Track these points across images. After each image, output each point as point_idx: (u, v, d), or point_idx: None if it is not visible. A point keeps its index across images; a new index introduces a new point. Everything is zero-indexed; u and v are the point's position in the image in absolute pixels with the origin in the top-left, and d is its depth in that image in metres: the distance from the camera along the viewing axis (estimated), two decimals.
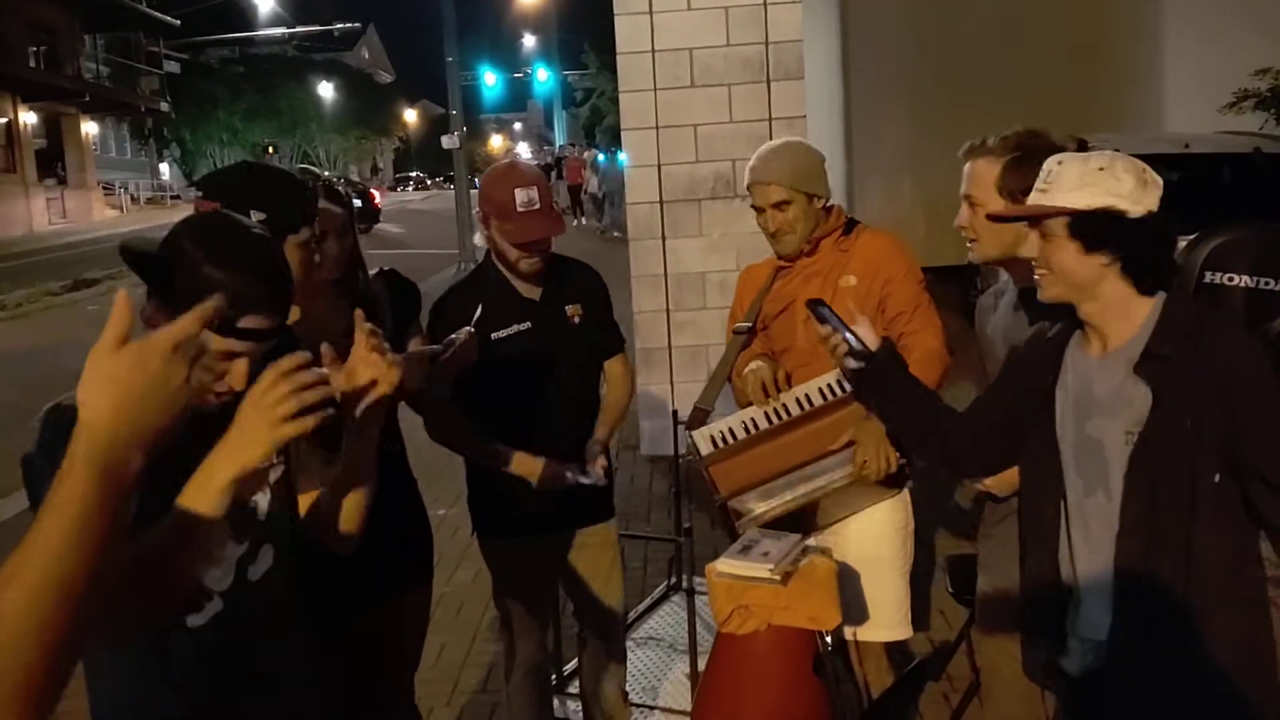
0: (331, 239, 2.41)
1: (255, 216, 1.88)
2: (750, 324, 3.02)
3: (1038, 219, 1.89)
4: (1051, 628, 2.01)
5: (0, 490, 6.77)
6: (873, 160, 11.42)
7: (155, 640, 1.59)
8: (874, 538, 2.83)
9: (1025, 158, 2.33)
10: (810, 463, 2.67)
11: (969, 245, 2.47)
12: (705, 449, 2.78)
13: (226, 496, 1.41)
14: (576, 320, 2.93)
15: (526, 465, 2.79)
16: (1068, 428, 1.97)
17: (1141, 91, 10.99)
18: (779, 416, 2.79)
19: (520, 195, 2.70)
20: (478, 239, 3.25)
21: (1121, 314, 1.88)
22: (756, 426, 2.79)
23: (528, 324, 2.85)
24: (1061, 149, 2.44)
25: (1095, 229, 1.83)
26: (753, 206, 2.94)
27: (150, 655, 1.59)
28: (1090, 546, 1.93)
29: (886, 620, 2.87)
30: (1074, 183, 1.84)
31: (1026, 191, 2.08)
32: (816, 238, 2.90)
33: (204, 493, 1.41)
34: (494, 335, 2.80)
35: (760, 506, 2.64)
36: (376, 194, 32.34)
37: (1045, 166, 1.92)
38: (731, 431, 2.79)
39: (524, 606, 2.98)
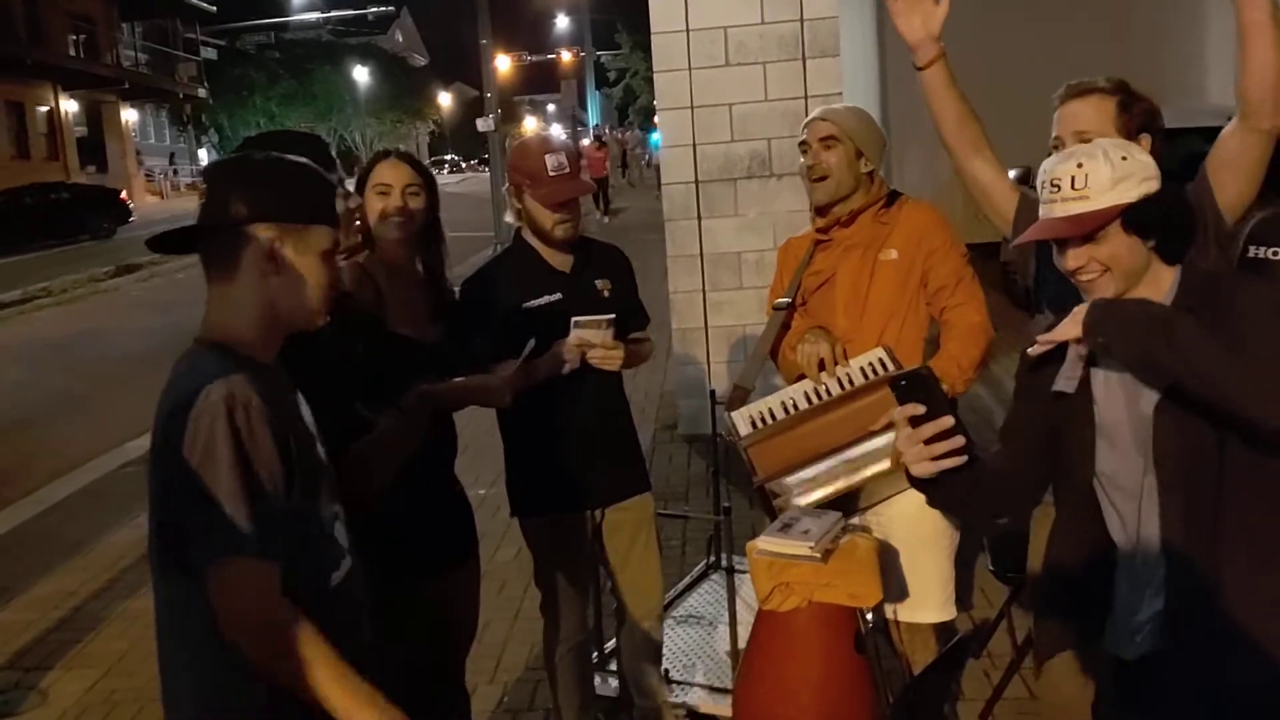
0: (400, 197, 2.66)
1: None
2: (790, 299, 2.99)
3: (1106, 223, 1.82)
4: (1097, 612, 1.98)
5: (55, 470, 6.95)
6: (911, 137, 11.28)
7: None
8: (918, 517, 2.79)
9: (1131, 99, 2.39)
10: (850, 444, 2.64)
11: None
12: (744, 429, 2.76)
13: None
14: (606, 294, 2.98)
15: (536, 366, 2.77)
16: (1116, 411, 1.91)
17: (1182, 62, 10.80)
18: (819, 396, 2.75)
19: (550, 160, 2.84)
20: (508, 217, 3.32)
21: (1155, 289, 1.86)
22: (796, 407, 2.75)
23: (559, 295, 2.89)
24: (1148, 101, 2.44)
25: (1146, 217, 1.80)
26: (800, 145, 2.92)
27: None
28: (1150, 525, 1.88)
29: (931, 601, 2.85)
30: (1110, 180, 1.81)
31: (1140, 131, 2.29)
32: (855, 210, 2.87)
33: None
34: (525, 305, 2.86)
35: (799, 488, 2.63)
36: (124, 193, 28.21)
37: (1062, 174, 1.85)
38: (771, 412, 2.76)
39: (565, 583, 3.01)
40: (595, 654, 3.56)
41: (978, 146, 2.70)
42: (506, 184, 2.97)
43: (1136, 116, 2.36)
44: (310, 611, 1.61)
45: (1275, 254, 2.09)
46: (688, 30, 6.37)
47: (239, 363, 1.65)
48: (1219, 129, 2.37)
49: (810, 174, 2.87)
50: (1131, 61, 10.30)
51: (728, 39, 6.36)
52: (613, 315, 2.83)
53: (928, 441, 1.88)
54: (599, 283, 2.99)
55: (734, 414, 2.80)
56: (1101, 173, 1.81)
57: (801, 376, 2.82)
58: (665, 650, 3.39)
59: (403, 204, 2.64)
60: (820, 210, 2.93)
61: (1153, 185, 1.81)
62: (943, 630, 2.97)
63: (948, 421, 1.88)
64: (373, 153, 2.95)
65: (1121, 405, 1.90)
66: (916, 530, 2.80)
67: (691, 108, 6.44)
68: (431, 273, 2.75)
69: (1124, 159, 1.81)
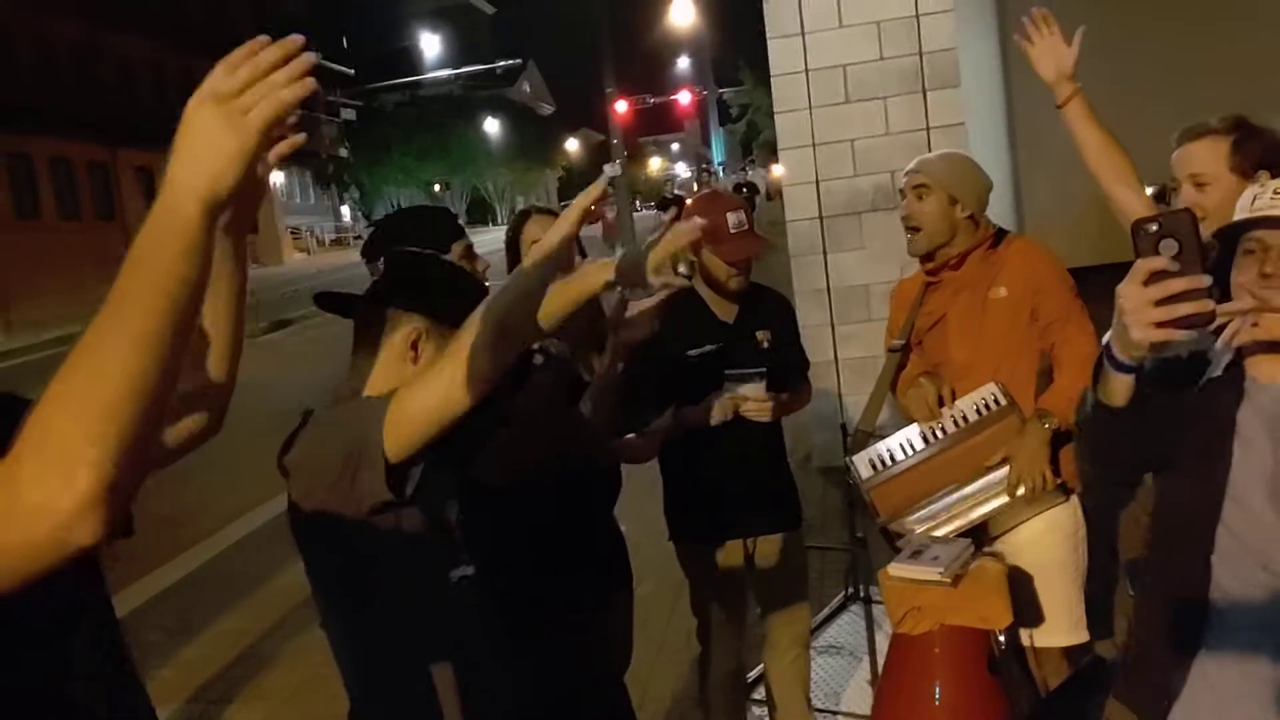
0: None
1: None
2: (904, 340, 3.06)
3: None
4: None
5: (226, 515, 7.40)
6: (1039, 158, 11.04)
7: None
8: (1043, 544, 2.84)
9: (1248, 137, 2.35)
10: (968, 481, 2.71)
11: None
12: (865, 472, 2.86)
13: (205, 224, 1.08)
14: (765, 345, 3.07)
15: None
16: (1267, 460, 1.69)
17: None
18: (935, 436, 2.82)
19: (732, 218, 2.94)
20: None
21: None
22: (914, 447, 2.84)
23: (718, 345, 3.00)
24: (1270, 134, 2.40)
25: None
26: (899, 191, 3.02)
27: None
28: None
29: (1061, 625, 2.88)
30: None
31: (1257, 168, 2.17)
32: (963, 252, 2.93)
33: (174, 219, 1.06)
34: (685, 354, 2.96)
35: (920, 528, 2.71)
36: None
37: None
38: (890, 454, 2.85)
39: (721, 611, 3.11)
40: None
41: (1120, 175, 2.73)
42: None
43: (1252, 154, 2.34)
44: (421, 594, 1.76)
45: None
46: (806, 70, 6.48)
47: None
48: None
49: (905, 224, 2.96)
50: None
51: (847, 76, 6.46)
52: (764, 369, 2.92)
53: (1167, 301, 1.39)
54: (759, 333, 3.07)
55: (854, 458, 2.89)
56: None
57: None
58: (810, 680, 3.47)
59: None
60: (921, 259, 3.01)
61: None
62: (1076, 654, 2.99)
63: (1203, 281, 1.39)
64: (510, 205, 3.09)
65: (1270, 458, 1.69)
66: (1043, 555, 2.84)
67: (813, 145, 6.53)
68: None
69: None
